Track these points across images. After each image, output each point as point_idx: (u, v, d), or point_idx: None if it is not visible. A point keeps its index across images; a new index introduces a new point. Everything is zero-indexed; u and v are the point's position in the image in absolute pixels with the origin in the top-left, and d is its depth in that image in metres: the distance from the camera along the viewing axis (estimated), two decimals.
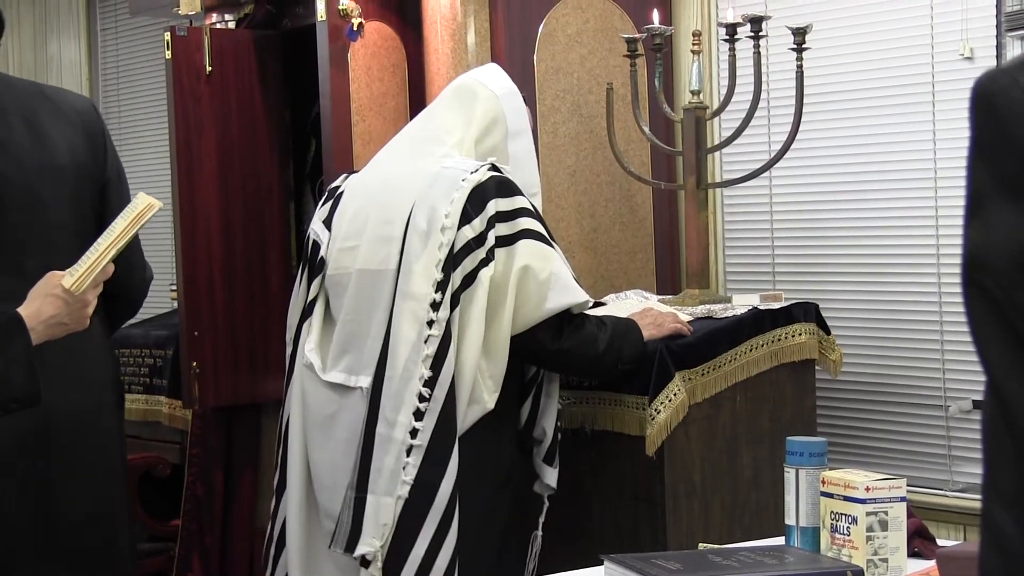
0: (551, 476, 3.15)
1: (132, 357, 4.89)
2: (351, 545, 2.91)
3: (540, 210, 3.13)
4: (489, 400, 2.96)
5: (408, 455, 2.88)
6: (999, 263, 1.22)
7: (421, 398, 2.88)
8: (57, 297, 2.49)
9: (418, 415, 2.88)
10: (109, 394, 2.92)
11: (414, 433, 2.88)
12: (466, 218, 2.94)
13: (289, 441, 3.15)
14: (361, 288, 3.05)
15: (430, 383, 2.88)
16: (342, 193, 3.20)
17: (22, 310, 2.47)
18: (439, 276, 2.91)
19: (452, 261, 2.92)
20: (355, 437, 2.97)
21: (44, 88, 2.95)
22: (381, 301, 2.99)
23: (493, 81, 3.19)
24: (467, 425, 2.94)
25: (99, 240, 2.53)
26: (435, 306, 2.90)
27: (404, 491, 2.88)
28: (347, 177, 3.26)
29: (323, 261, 3.15)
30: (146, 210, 2.55)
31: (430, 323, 2.90)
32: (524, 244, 2.97)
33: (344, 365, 3.06)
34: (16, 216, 2.75)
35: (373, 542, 2.89)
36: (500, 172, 3.03)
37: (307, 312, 3.16)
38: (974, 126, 1.27)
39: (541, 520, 3.19)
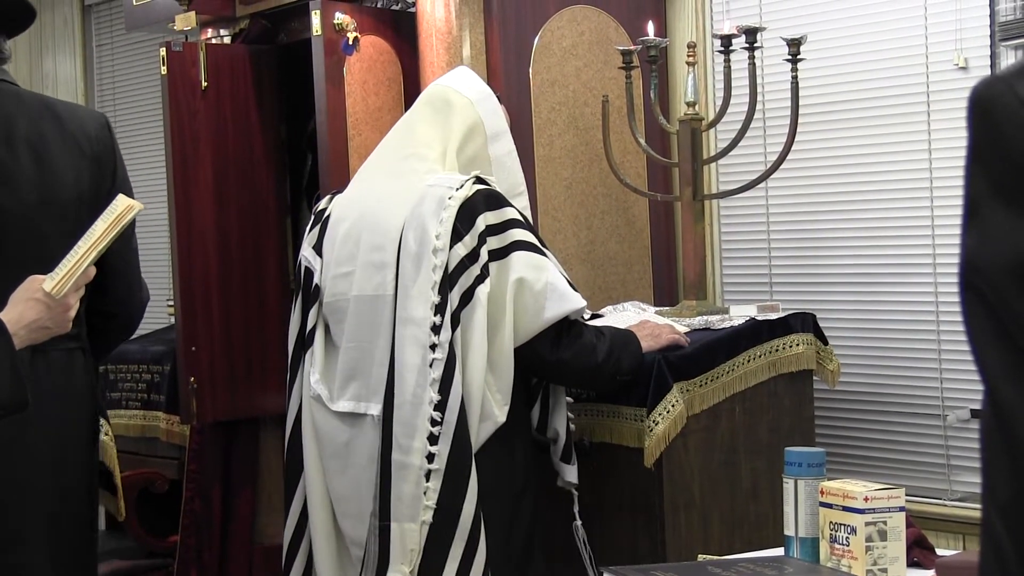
0: (571, 473, 3.16)
1: (129, 373, 4.89)
2: (380, 573, 2.91)
3: (527, 209, 3.13)
4: (500, 414, 2.95)
5: (427, 480, 2.87)
6: (995, 269, 1.22)
7: (433, 422, 2.87)
8: (38, 301, 2.47)
9: (432, 439, 2.87)
10: (84, 434, 2.86)
11: (430, 458, 2.87)
12: (457, 236, 2.92)
13: (307, 474, 3.13)
14: (360, 314, 3.03)
15: (440, 407, 2.87)
16: (329, 216, 3.18)
17: (3, 315, 2.45)
18: (436, 299, 2.90)
19: (448, 281, 2.91)
20: (372, 463, 2.96)
21: (55, 106, 2.87)
22: (382, 327, 2.98)
23: (466, 86, 3.17)
24: (480, 441, 2.94)
25: (79, 243, 2.51)
26: (436, 329, 2.89)
27: (428, 516, 2.87)
28: (332, 198, 3.22)
29: (318, 288, 3.13)
30: (126, 211, 2.54)
31: (433, 347, 2.89)
32: (517, 256, 2.96)
33: (352, 393, 3.04)
34: (14, 249, 2.71)
35: (403, 568, 2.88)
36: (485, 183, 3.01)
37: (308, 342, 3.14)
38: (971, 133, 1.27)
39: (576, 510, 3.19)
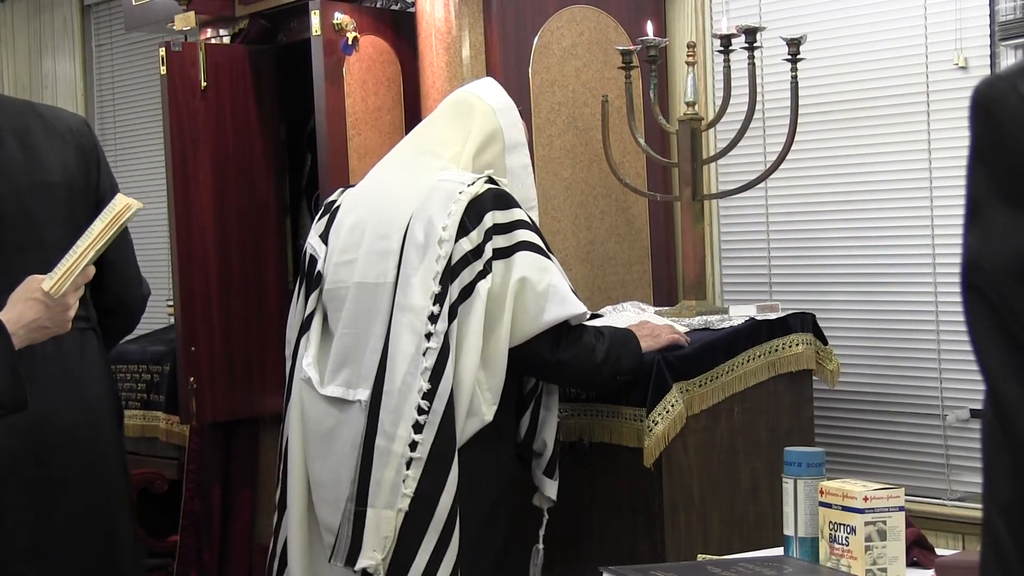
0: (551, 489, 3.15)
1: (129, 373, 4.89)
2: (352, 558, 2.90)
3: (538, 224, 3.14)
4: (487, 413, 2.96)
5: (408, 468, 2.88)
6: (997, 268, 1.22)
7: (420, 411, 2.88)
8: (38, 301, 2.48)
9: (417, 428, 2.88)
10: (106, 411, 2.90)
11: (413, 446, 2.88)
12: (463, 230, 2.94)
13: (289, 456, 3.14)
14: (359, 301, 3.04)
15: (429, 396, 2.88)
16: (338, 207, 3.20)
17: (3, 315, 2.46)
18: (437, 289, 2.91)
19: (450, 273, 2.92)
20: (355, 451, 2.96)
21: (36, 106, 2.93)
22: (379, 314, 2.99)
23: (490, 95, 3.20)
24: (465, 438, 2.94)
25: (78, 243, 2.52)
26: (433, 319, 2.90)
27: (404, 504, 2.88)
28: (343, 191, 3.26)
29: (320, 275, 3.15)
30: (124, 210, 2.55)
31: (428, 336, 2.90)
32: (522, 256, 2.97)
33: (342, 379, 3.05)
34: (10, 235, 2.73)
35: (375, 555, 2.89)
36: (497, 184, 3.03)
37: (305, 326, 3.16)
38: (973, 132, 1.27)
39: (542, 533, 3.18)
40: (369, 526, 2.89)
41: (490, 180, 3.02)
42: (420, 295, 2.92)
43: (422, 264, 2.93)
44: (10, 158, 2.76)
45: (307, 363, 3.11)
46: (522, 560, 3.16)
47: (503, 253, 2.96)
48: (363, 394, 2.98)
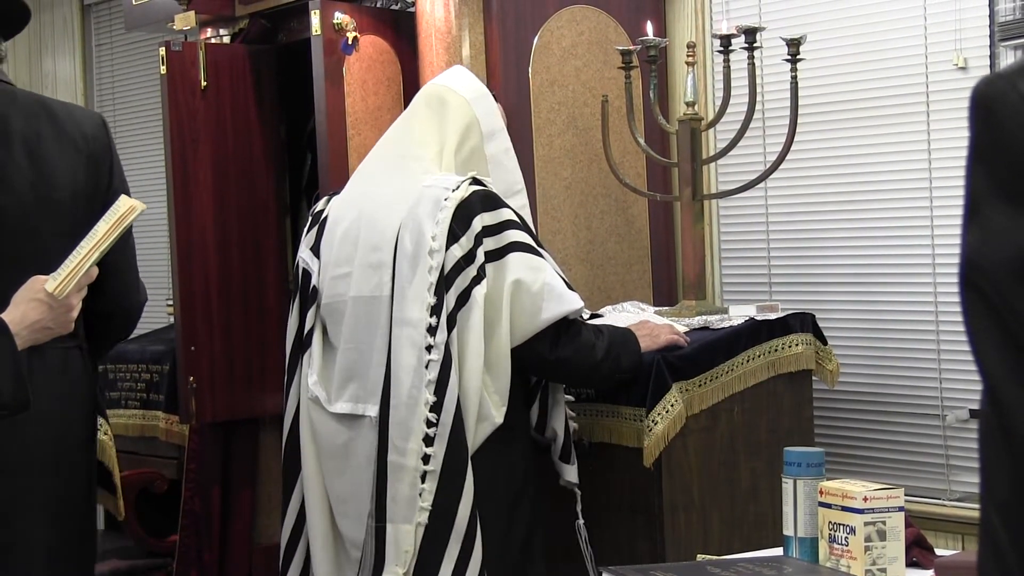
0: (571, 473, 3.16)
1: (129, 373, 4.88)
2: (376, 574, 2.91)
3: (526, 207, 3.13)
4: (497, 415, 2.95)
5: (423, 481, 2.88)
6: (996, 268, 1.22)
7: (428, 423, 2.87)
8: (41, 301, 2.47)
9: (428, 441, 2.87)
10: (82, 429, 2.85)
11: (426, 459, 2.87)
12: (453, 237, 2.92)
13: (304, 474, 3.13)
14: (358, 316, 3.03)
15: (436, 408, 2.87)
16: (326, 217, 3.18)
17: (6, 316, 2.45)
18: (432, 300, 2.90)
19: (444, 282, 2.91)
20: (371, 464, 2.96)
21: (51, 105, 2.85)
22: (379, 328, 2.98)
23: (462, 85, 3.18)
24: (478, 443, 2.94)
25: (82, 244, 2.51)
26: (432, 330, 2.89)
27: (423, 517, 2.87)
28: (329, 200, 3.23)
29: (315, 290, 3.13)
30: (128, 212, 2.54)
31: (429, 348, 2.89)
32: (514, 257, 2.96)
33: (350, 394, 3.04)
34: (12, 250, 2.70)
35: (396, 570, 2.88)
36: (481, 184, 3.01)
37: (305, 343, 3.14)
38: (972, 131, 1.27)
39: (579, 508, 3.18)
40: (390, 541, 2.90)
41: (474, 180, 3.01)
42: (416, 308, 2.91)
43: (415, 276, 2.92)
44: (18, 171, 2.71)
45: (312, 382, 3.10)
46: (550, 546, 3.14)
47: (494, 256, 2.95)
48: (372, 410, 2.97)
